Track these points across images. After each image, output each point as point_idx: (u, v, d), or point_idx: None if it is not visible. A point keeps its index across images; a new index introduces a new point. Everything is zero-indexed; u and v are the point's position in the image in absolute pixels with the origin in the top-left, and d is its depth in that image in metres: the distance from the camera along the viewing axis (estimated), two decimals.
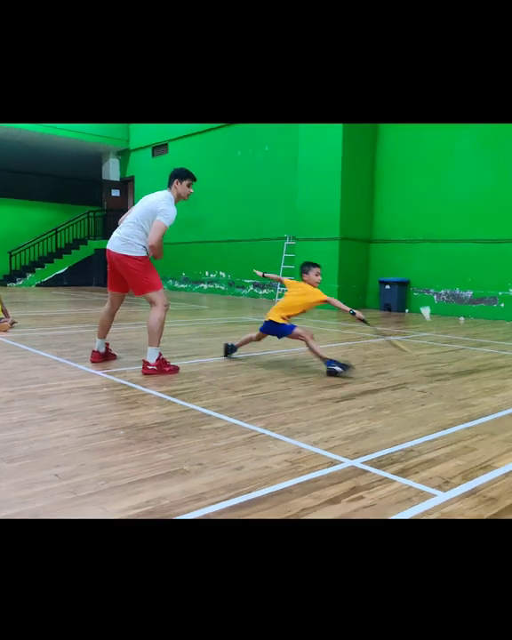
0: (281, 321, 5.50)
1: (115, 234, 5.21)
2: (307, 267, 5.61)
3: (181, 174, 5.22)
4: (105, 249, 5.38)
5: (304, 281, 5.61)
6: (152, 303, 5.18)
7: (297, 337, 5.52)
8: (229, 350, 6.13)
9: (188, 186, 5.26)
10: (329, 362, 5.33)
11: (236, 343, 6.13)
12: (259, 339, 5.88)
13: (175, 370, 5.26)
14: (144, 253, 5.12)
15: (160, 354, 5.23)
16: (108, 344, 5.84)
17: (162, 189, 5.25)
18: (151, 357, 5.16)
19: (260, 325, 5.75)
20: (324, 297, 5.47)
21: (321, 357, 5.41)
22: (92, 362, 5.63)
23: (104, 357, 5.74)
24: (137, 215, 5.12)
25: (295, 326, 5.52)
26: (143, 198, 5.29)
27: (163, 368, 5.19)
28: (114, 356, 5.88)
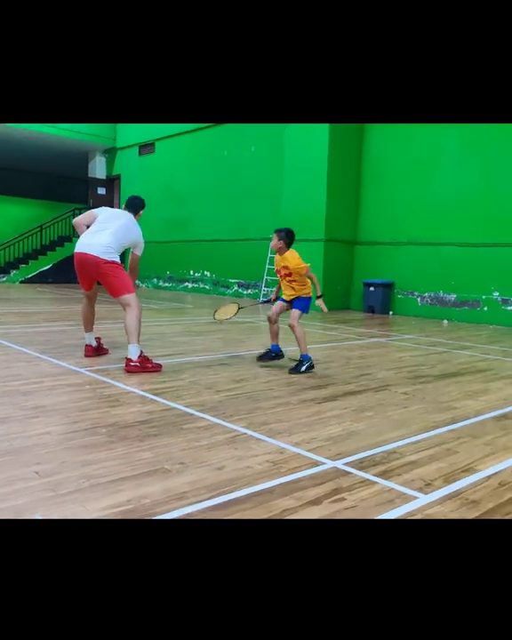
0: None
1: (93, 240, 5.28)
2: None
3: (144, 205, 5.78)
4: None
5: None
6: (127, 305, 5.30)
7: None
8: (275, 355, 5.89)
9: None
10: (305, 356, 5.50)
11: (274, 344, 5.88)
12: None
13: (158, 367, 5.28)
14: (118, 260, 5.40)
15: (142, 351, 5.28)
16: (99, 338, 6.04)
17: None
18: (133, 354, 5.19)
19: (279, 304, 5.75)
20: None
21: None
22: (86, 356, 5.79)
23: (97, 351, 5.89)
24: (121, 236, 5.38)
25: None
26: (118, 216, 5.49)
27: (145, 364, 5.21)
28: (106, 351, 6.02)
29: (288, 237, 5.83)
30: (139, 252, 5.63)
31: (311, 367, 5.48)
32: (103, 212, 5.52)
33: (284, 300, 5.75)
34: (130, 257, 5.68)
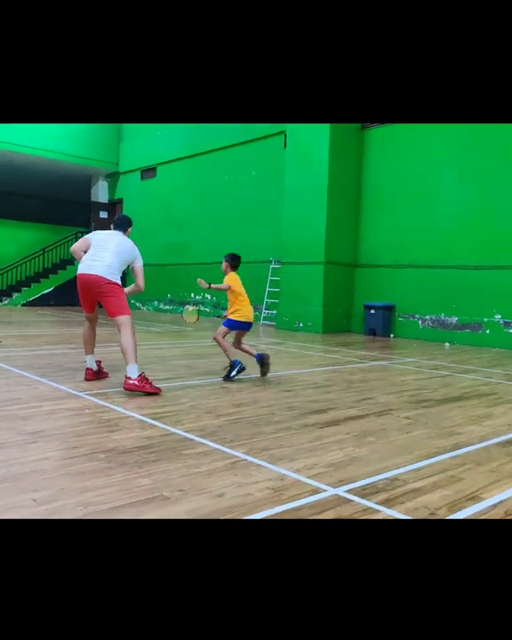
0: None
1: (95, 261, 5.40)
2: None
3: (131, 223, 5.95)
4: None
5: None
6: (121, 325, 5.34)
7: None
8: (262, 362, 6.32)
9: None
10: (235, 361, 6.11)
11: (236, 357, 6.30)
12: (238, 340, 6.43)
13: (157, 390, 5.23)
14: (119, 281, 5.52)
15: (143, 372, 5.28)
16: (99, 361, 5.98)
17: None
18: (132, 372, 5.17)
19: (237, 326, 6.33)
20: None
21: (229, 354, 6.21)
22: (86, 380, 5.75)
23: (97, 375, 5.86)
24: (119, 254, 5.51)
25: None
26: (112, 236, 5.64)
27: (144, 384, 5.18)
28: (106, 375, 5.99)
29: (233, 260, 6.98)
30: (139, 263, 5.70)
31: (242, 369, 6.09)
32: (96, 235, 5.66)
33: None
34: (133, 272, 5.71)
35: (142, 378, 5.20)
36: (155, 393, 5.19)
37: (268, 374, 6.35)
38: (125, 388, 5.13)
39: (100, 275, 5.32)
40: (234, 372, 6.07)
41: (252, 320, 6.44)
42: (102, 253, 5.42)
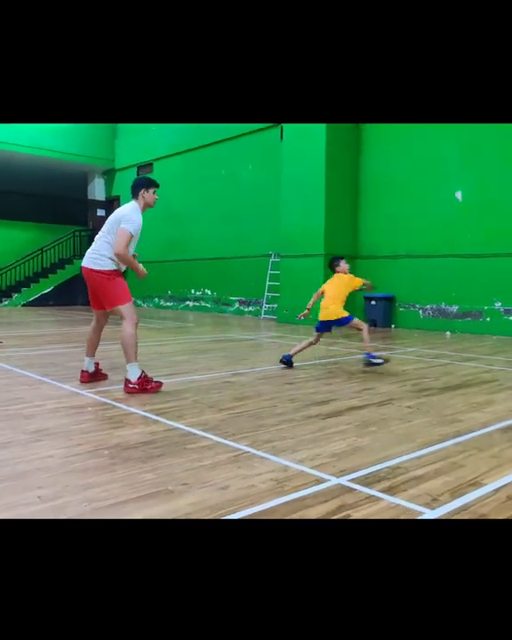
0: (343, 314, 6.54)
1: (88, 251, 5.24)
2: (336, 261, 6.88)
3: (145, 183, 5.26)
4: None
5: (338, 273, 6.81)
6: (121, 317, 5.11)
7: (356, 325, 6.57)
8: (286, 362, 6.58)
9: (154, 192, 5.28)
10: (368, 354, 6.33)
11: (291, 352, 6.62)
12: (317, 341, 6.72)
13: (158, 386, 5.15)
14: (112, 267, 5.12)
15: (143, 371, 5.14)
16: (97, 363, 5.72)
17: (147, 208, 5.28)
18: (132, 375, 5.06)
19: (316, 326, 6.72)
20: (362, 280, 6.87)
21: (366, 346, 6.47)
22: (81, 382, 5.54)
23: (93, 377, 5.61)
24: (104, 229, 5.18)
25: (353, 316, 6.65)
26: (114, 212, 5.29)
27: (145, 386, 5.08)
28: (104, 377, 5.74)
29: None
30: (124, 225, 4.98)
31: (381, 359, 6.36)
32: None
33: (327, 321, 6.67)
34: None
35: (143, 380, 5.07)
36: (156, 390, 5.12)
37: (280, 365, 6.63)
38: (125, 392, 5.03)
39: (86, 266, 5.13)
40: (373, 360, 6.33)
41: (321, 318, 6.72)
42: (95, 240, 5.21)
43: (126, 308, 5.11)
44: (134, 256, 5.29)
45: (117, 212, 5.17)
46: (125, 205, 5.23)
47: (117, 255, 5.02)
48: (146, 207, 5.27)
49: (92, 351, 5.58)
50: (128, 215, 5.03)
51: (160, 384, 5.21)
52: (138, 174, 19.70)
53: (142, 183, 5.27)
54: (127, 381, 5.09)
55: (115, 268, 5.14)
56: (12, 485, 2.90)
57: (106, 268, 5.10)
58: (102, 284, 5.12)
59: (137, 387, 5.05)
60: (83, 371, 5.61)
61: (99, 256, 5.11)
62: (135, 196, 5.22)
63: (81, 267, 5.29)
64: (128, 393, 5.04)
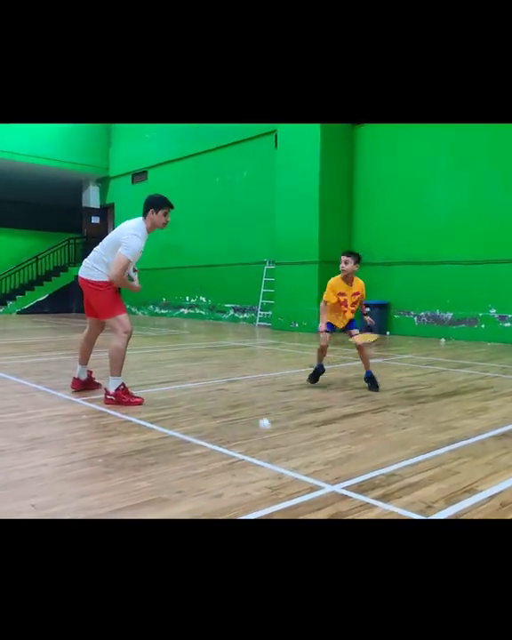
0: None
1: (84, 261, 5.23)
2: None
3: (157, 203, 5.07)
4: None
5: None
6: (112, 329, 5.06)
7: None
8: (320, 372, 6.01)
9: (165, 215, 5.11)
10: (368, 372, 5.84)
11: (318, 363, 6.04)
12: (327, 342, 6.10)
13: (138, 402, 5.00)
14: (105, 279, 5.02)
15: (123, 384, 5.03)
16: (91, 372, 5.67)
17: (139, 216, 5.09)
18: (112, 386, 4.99)
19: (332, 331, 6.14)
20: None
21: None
22: (73, 389, 5.51)
23: (85, 385, 5.56)
24: (104, 243, 5.12)
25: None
26: (120, 225, 5.20)
27: (121, 398, 4.96)
28: (97, 385, 5.65)
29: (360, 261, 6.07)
30: (122, 249, 4.86)
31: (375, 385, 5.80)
32: None
33: (333, 328, 6.00)
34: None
35: (121, 392, 4.97)
36: (136, 404, 4.96)
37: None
38: (105, 404, 4.94)
39: (82, 276, 5.11)
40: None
41: (335, 324, 6.13)
42: (94, 251, 5.18)
43: (117, 321, 5.01)
44: (135, 271, 5.33)
45: (120, 230, 5.04)
46: (130, 223, 5.07)
47: (112, 281, 4.98)
48: (153, 228, 5.13)
49: (84, 360, 5.52)
50: (128, 240, 4.88)
51: (140, 400, 5.03)
52: (132, 182, 19.75)
53: (154, 203, 5.09)
54: (106, 392, 5.02)
55: (105, 279, 5.04)
56: (6, 494, 2.89)
57: (99, 280, 5.03)
58: (95, 296, 5.08)
59: (113, 398, 4.96)
60: (74, 378, 5.56)
61: (93, 267, 5.05)
62: (144, 214, 5.08)
63: (77, 275, 5.30)
64: (107, 404, 4.94)
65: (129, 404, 4.95)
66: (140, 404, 4.99)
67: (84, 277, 5.11)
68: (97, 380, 5.71)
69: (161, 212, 5.07)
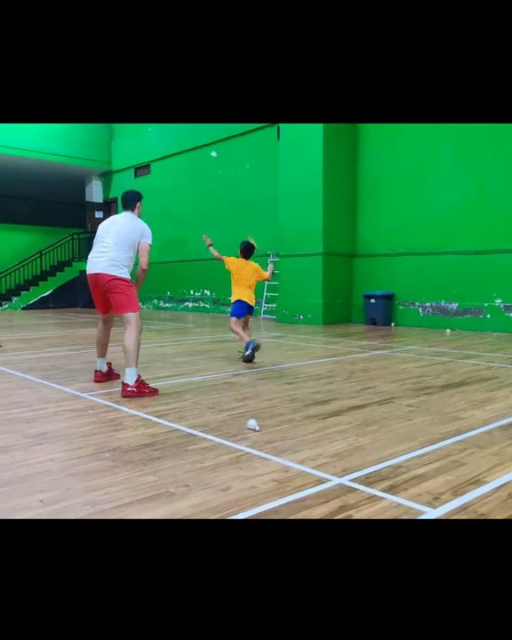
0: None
1: (97, 257, 5.29)
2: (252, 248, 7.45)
3: (140, 197, 5.60)
4: None
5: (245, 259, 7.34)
6: (128, 323, 5.20)
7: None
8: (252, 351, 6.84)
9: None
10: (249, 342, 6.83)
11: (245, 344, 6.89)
12: (245, 324, 7.31)
13: (155, 392, 5.14)
14: (129, 276, 5.28)
15: (139, 375, 5.16)
16: (110, 363, 5.88)
17: (143, 209, 5.58)
18: (130, 379, 5.06)
19: (234, 311, 7.30)
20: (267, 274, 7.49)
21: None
22: (95, 382, 5.68)
23: (107, 377, 5.77)
24: (121, 240, 5.27)
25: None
26: (113, 222, 5.43)
27: (142, 389, 5.07)
28: (117, 376, 5.83)
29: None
30: (146, 240, 5.37)
31: (254, 348, 6.79)
32: (101, 226, 5.49)
33: (246, 304, 7.34)
34: (140, 250, 5.37)
35: (140, 383, 5.09)
36: (152, 395, 5.10)
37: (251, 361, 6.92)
38: (123, 396, 5.01)
39: (104, 272, 5.19)
40: (247, 352, 6.75)
41: (240, 298, 7.22)
42: (103, 247, 5.26)
43: (136, 316, 5.24)
44: None
45: (131, 227, 5.34)
46: (130, 217, 5.43)
47: (144, 271, 5.43)
48: None
49: (102, 352, 5.74)
50: (148, 230, 5.38)
51: (156, 391, 5.17)
52: (135, 176, 19.73)
53: (138, 197, 5.59)
54: (125, 385, 5.08)
55: (128, 276, 5.30)
56: (14, 489, 2.90)
57: (126, 276, 5.25)
58: (123, 291, 5.22)
59: (135, 390, 5.04)
60: (96, 371, 5.78)
61: (119, 264, 5.22)
62: (132, 207, 5.50)
63: (93, 274, 5.30)
64: (125, 396, 5.01)
65: (149, 394, 5.09)
66: (156, 394, 5.13)
67: (112, 274, 5.19)
68: (117, 372, 5.92)
69: (139, 204, 5.60)
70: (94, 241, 5.43)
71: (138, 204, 5.52)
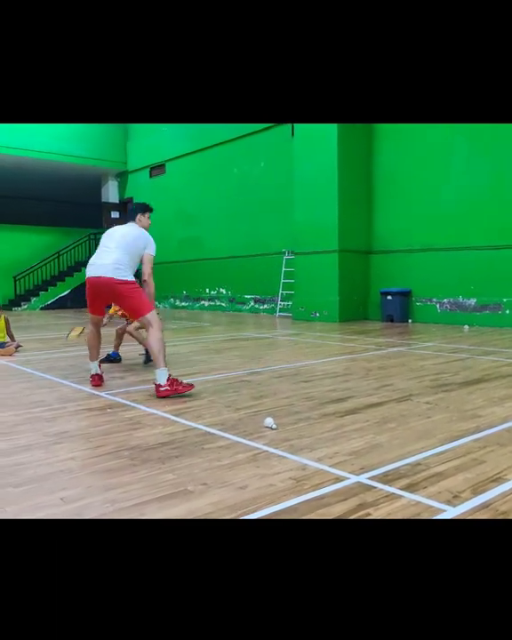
0: None
1: (100, 261, 5.25)
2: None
3: (147, 208, 5.73)
4: None
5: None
6: (148, 324, 5.16)
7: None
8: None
9: (148, 217, 5.74)
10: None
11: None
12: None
13: (189, 387, 5.07)
14: (133, 279, 5.27)
15: (170, 374, 5.10)
16: (100, 365, 5.81)
17: (158, 209, 5.48)
18: (161, 378, 5.00)
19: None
20: None
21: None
22: (94, 386, 5.57)
23: (103, 379, 5.70)
24: (126, 245, 5.30)
25: None
26: (116, 230, 5.50)
27: (176, 387, 5.01)
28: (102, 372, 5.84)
29: None
30: (149, 251, 5.42)
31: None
32: (103, 236, 5.53)
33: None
34: (143, 260, 5.42)
35: (172, 381, 5.03)
36: (189, 392, 5.06)
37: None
38: (159, 397, 4.96)
39: (109, 276, 5.12)
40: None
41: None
42: (105, 252, 5.25)
43: (153, 316, 5.20)
44: None
45: (135, 236, 5.39)
46: (134, 228, 5.50)
47: (148, 282, 5.43)
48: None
49: (95, 355, 5.66)
50: (152, 241, 5.45)
51: (191, 386, 5.11)
52: (151, 176, 19.81)
53: (145, 208, 5.71)
54: (158, 386, 5.02)
55: (133, 279, 5.27)
56: (35, 488, 2.93)
57: (131, 279, 5.22)
58: (130, 295, 5.20)
59: (169, 388, 4.98)
60: (92, 375, 5.66)
61: (122, 267, 5.18)
62: (136, 218, 5.61)
63: (93, 277, 5.24)
64: (161, 397, 4.96)
65: (184, 390, 5.05)
66: (191, 389, 5.10)
67: (116, 278, 5.15)
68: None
69: (147, 215, 5.73)
70: (99, 245, 5.46)
71: (140, 214, 5.63)
